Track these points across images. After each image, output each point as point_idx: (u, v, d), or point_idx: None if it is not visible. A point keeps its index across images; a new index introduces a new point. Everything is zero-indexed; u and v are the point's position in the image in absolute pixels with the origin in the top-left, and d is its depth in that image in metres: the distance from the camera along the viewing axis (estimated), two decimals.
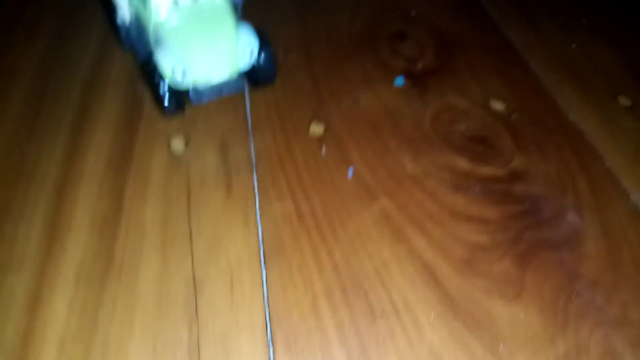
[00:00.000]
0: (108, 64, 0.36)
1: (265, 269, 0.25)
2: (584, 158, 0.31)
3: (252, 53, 0.32)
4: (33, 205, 0.27)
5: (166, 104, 0.31)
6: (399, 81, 0.36)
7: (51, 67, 0.35)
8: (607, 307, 0.24)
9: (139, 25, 0.33)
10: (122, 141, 0.31)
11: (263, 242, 0.26)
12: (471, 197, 0.29)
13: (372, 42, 0.39)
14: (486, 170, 0.30)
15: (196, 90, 0.31)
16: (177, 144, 0.31)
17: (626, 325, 0.24)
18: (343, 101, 0.34)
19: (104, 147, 0.31)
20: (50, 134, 0.31)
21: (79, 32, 0.38)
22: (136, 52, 0.34)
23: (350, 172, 0.30)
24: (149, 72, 0.30)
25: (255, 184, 0.29)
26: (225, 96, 0.32)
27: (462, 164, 0.31)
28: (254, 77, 0.33)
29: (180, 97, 0.31)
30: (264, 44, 0.32)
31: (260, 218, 0.27)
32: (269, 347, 0.22)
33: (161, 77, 0.30)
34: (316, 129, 0.32)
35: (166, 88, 0.30)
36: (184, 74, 0.30)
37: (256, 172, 0.30)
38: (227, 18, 0.31)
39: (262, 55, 0.32)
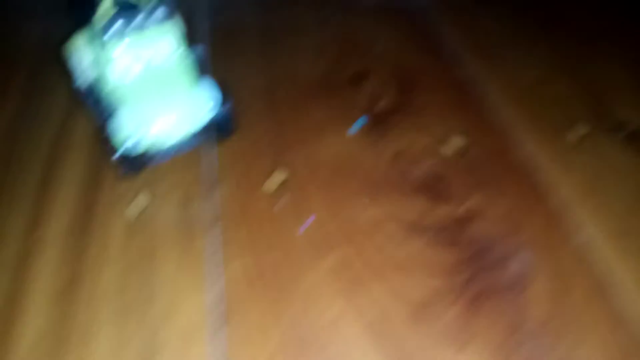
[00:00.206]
0: (74, 125, 0.37)
1: (224, 326, 0.26)
2: (535, 195, 0.32)
3: (210, 109, 0.33)
4: None
5: (124, 167, 0.32)
6: (361, 122, 0.37)
7: (17, 130, 0.36)
8: (555, 350, 0.25)
9: (98, 87, 0.34)
10: (84, 205, 0.32)
11: (221, 301, 0.27)
12: (426, 241, 0.30)
13: (335, 83, 0.40)
14: (441, 212, 0.31)
15: (155, 150, 0.32)
16: (138, 205, 0.32)
17: None
18: (305, 147, 0.35)
19: (66, 213, 0.31)
20: (14, 202, 0.32)
21: (46, 93, 0.40)
22: (97, 114, 0.35)
23: (309, 222, 0.31)
24: (107, 135, 0.31)
25: (215, 240, 0.30)
26: (186, 151, 0.33)
27: (419, 206, 0.32)
28: (215, 130, 0.34)
29: (139, 157, 0.32)
30: (222, 98, 0.33)
31: (219, 276, 0.28)
32: None
33: (119, 141, 0.31)
34: (278, 178, 0.33)
35: (124, 151, 0.31)
36: (141, 136, 0.31)
37: (217, 229, 0.30)
38: (183, 78, 0.32)
39: (222, 109, 0.33)
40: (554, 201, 0.32)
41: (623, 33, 0.45)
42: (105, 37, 0.31)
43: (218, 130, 0.34)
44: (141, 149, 0.31)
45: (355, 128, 0.36)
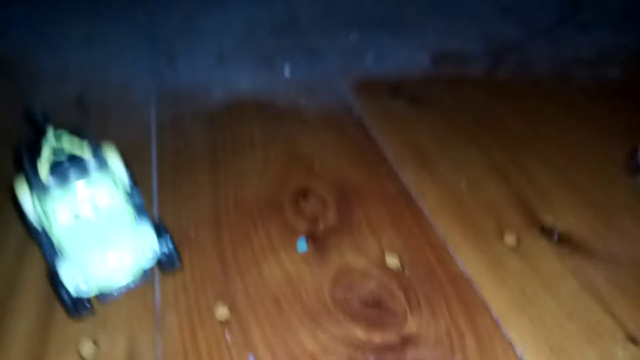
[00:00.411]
0: (25, 266, 0.38)
1: None
2: (471, 311, 0.33)
3: (152, 250, 0.34)
4: None
5: (72, 313, 0.32)
6: (302, 245, 0.38)
7: None
8: None
9: (45, 232, 0.35)
10: (35, 351, 0.32)
11: None
12: None
13: (277, 203, 0.42)
14: (380, 338, 0.32)
15: (102, 294, 0.33)
16: (87, 348, 0.32)
17: None
18: (248, 276, 0.36)
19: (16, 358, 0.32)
20: None
21: None
22: (46, 255, 0.35)
23: (251, 359, 0.31)
24: (55, 282, 0.32)
25: None
26: (133, 289, 0.34)
27: (358, 333, 0.32)
28: (159, 267, 0.35)
29: (85, 300, 0.33)
30: (164, 238, 0.34)
31: None
32: None
33: (65, 288, 0.32)
34: (222, 311, 0.34)
35: (71, 299, 0.32)
36: (86, 282, 0.32)
37: None
38: (126, 224, 0.33)
39: (163, 248, 0.34)
40: (488, 318, 0.33)
41: (553, 136, 0.48)
42: (47, 191, 0.32)
43: (163, 266, 0.35)
44: (88, 291, 0.32)
45: (298, 249, 0.38)
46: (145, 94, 0.58)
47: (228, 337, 0.32)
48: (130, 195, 0.35)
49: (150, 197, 0.43)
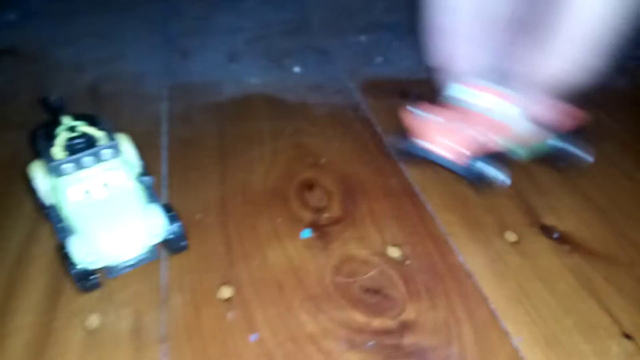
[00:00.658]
0: (36, 241, 0.39)
1: None
2: (470, 302, 0.34)
3: (161, 229, 0.35)
4: None
5: (80, 286, 0.33)
6: (306, 234, 0.39)
7: None
8: None
9: (56, 209, 0.36)
10: (43, 321, 0.33)
11: None
12: (364, 354, 0.31)
13: (283, 194, 0.43)
14: (379, 323, 0.33)
15: (110, 268, 0.34)
16: (93, 320, 0.33)
17: None
18: (253, 261, 0.37)
19: (25, 329, 0.32)
20: None
21: (11, 209, 0.41)
22: (57, 232, 0.36)
23: (253, 338, 0.32)
24: (64, 255, 0.33)
25: (167, 352, 0.31)
26: (139, 266, 0.35)
27: (358, 318, 0.33)
28: (166, 246, 0.36)
29: (93, 274, 0.34)
30: (172, 220, 0.35)
31: None
32: None
33: (74, 261, 0.33)
34: (225, 293, 0.35)
35: (79, 272, 0.33)
36: (95, 257, 0.33)
37: (165, 345, 0.31)
38: (134, 202, 0.34)
39: (171, 229, 0.35)
40: (486, 310, 0.34)
41: None
42: (60, 170, 0.33)
43: (170, 246, 0.36)
44: (97, 266, 0.33)
45: (301, 237, 0.39)
46: (157, 87, 0.59)
47: (231, 316, 0.33)
48: (140, 177, 0.36)
49: (160, 183, 0.44)
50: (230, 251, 0.38)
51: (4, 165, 0.47)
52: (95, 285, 0.34)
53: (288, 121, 0.52)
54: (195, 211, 0.41)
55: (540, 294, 0.35)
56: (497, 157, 0.40)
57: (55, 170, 0.32)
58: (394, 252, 0.38)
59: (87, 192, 0.34)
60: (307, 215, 0.41)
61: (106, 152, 0.34)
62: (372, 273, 0.36)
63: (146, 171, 0.41)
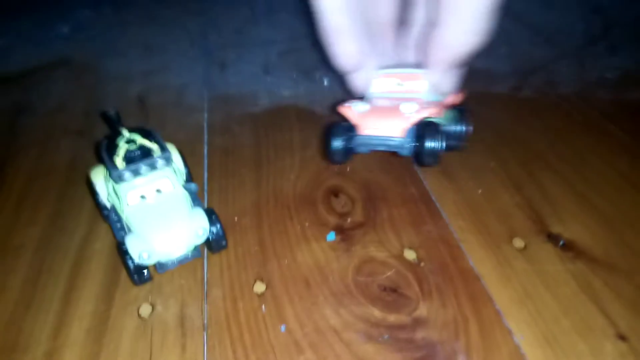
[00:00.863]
0: (94, 239, 0.44)
1: None
2: (477, 302, 0.38)
3: (204, 231, 0.40)
4: None
5: (135, 279, 0.39)
6: (331, 237, 0.43)
7: (47, 245, 0.44)
8: None
9: (115, 211, 0.41)
10: (101, 310, 0.38)
11: None
12: (380, 345, 0.35)
13: (311, 200, 0.47)
14: (394, 318, 0.37)
15: (160, 263, 0.39)
16: (145, 309, 0.38)
17: None
18: (283, 260, 0.42)
19: (85, 317, 0.38)
20: (42, 309, 0.38)
21: (72, 209, 0.47)
22: (115, 231, 0.42)
23: (282, 329, 0.36)
24: (122, 252, 0.38)
25: (205, 344, 0.36)
26: (185, 263, 0.40)
27: (376, 313, 0.37)
28: (208, 246, 0.41)
29: (146, 269, 0.39)
30: (214, 222, 0.40)
31: None
32: None
33: (130, 257, 0.38)
34: (259, 288, 0.40)
35: (134, 266, 0.38)
36: (149, 255, 0.38)
37: (207, 332, 0.36)
38: (182, 206, 0.39)
39: (213, 229, 0.40)
40: (491, 310, 0.37)
41: (570, 154, 0.52)
42: (121, 177, 0.38)
43: (211, 245, 0.41)
44: (150, 262, 0.38)
45: (327, 240, 0.43)
46: (198, 98, 0.64)
47: (264, 309, 0.38)
48: (187, 184, 0.41)
49: (201, 188, 0.49)
50: (263, 251, 0.43)
51: (65, 169, 0.53)
52: (147, 279, 0.40)
53: (317, 131, 0.57)
54: (232, 214, 0.46)
55: (543, 296, 0.38)
56: (429, 128, 0.42)
57: (117, 177, 0.38)
58: (410, 255, 0.42)
59: (142, 197, 0.39)
60: (333, 220, 0.45)
61: (160, 162, 0.39)
62: (389, 273, 0.40)
63: (191, 178, 0.46)
